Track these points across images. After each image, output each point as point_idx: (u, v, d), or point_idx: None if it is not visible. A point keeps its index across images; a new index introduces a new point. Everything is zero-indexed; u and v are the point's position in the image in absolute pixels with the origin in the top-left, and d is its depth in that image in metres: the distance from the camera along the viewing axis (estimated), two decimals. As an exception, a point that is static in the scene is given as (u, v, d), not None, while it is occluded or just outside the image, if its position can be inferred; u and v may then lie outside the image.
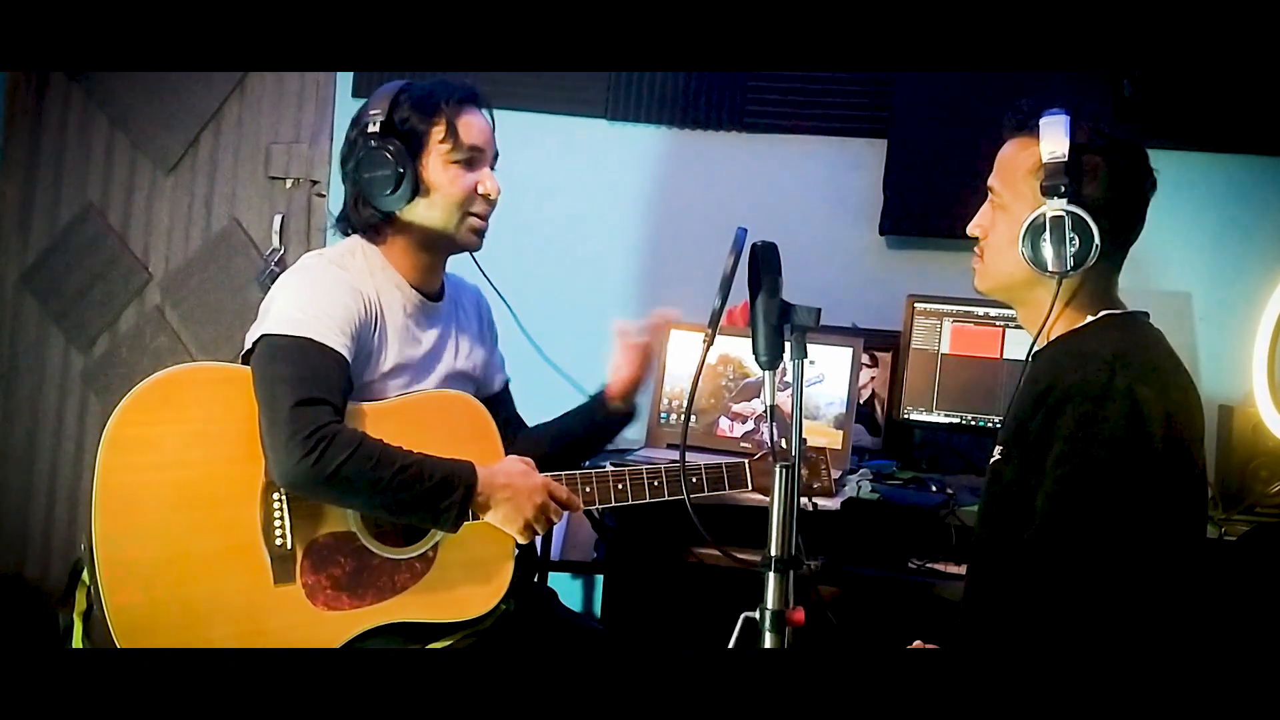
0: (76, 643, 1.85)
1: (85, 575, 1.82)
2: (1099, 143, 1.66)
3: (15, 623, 3.31)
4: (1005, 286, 1.76)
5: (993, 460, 1.74)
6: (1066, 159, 1.63)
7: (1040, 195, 1.65)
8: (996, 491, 1.71)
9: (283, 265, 3.21)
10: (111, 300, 3.42)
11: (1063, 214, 1.63)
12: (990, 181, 1.75)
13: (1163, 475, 1.57)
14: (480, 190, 1.98)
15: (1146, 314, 1.74)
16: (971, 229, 1.78)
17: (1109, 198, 1.66)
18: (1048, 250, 1.64)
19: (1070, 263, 1.64)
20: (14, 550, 3.46)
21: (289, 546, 1.84)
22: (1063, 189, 1.63)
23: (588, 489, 1.98)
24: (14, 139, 3.47)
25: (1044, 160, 1.65)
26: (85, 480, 1.82)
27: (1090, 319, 1.70)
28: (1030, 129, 1.68)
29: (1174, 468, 1.59)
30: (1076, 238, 1.63)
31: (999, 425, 2.59)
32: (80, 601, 1.85)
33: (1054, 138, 1.64)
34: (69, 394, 3.45)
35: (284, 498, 1.84)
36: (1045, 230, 1.64)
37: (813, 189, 3.06)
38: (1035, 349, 1.75)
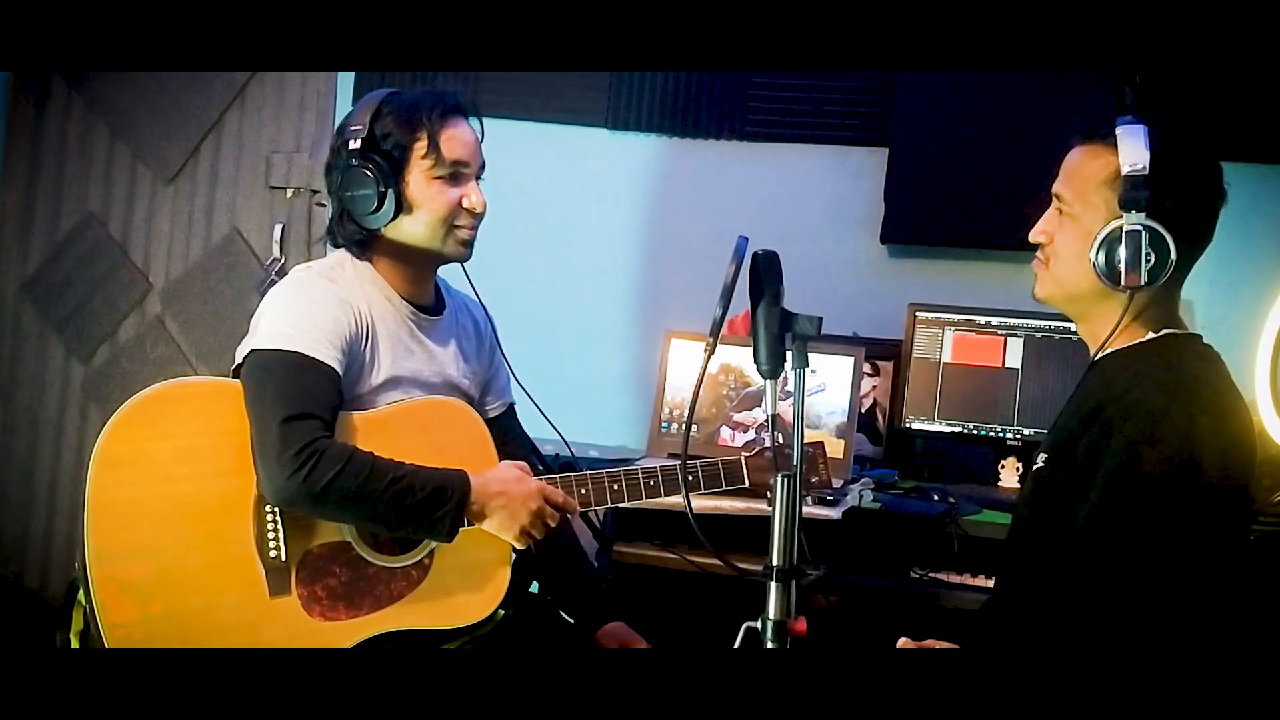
0: (74, 662, 1.84)
1: (81, 596, 1.80)
2: (1177, 155, 1.62)
3: (15, 629, 3.30)
4: (1070, 297, 1.71)
5: (1035, 466, 1.73)
6: (1148, 171, 1.58)
7: (1116, 207, 1.61)
8: (1037, 499, 1.69)
9: (283, 274, 3.19)
10: (112, 310, 3.41)
11: (1140, 228, 1.59)
12: (1057, 189, 1.71)
13: (1211, 510, 1.53)
14: (465, 205, 1.95)
15: (1200, 336, 1.71)
16: (1034, 235, 1.73)
17: (1184, 212, 1.62)
18: (1122, 264, 1.60)
19: (1146, 278, 1.60)
20: (14, 558, 3.45)
21: (283, 558, 1.83)
22: (1143, 202, 1.59)
23: (583, 490, 1.97)
24: (15, 149, 3.46)
25: (1124, 172, 1.60)
26: (85, 491, 1.80)
27: (1152, 335, 1.67)
28: (1103, 137, 1.64)
29: (1224, 503, 1.55)
30: (1153, 253, 1.59)
31: (1002, 434, 2.63)
32: (77, 622, 1.84)
33: (1134, 149, 1.59)
34: (69, 404, 3.44)
35: (277, 510, 1.83)
36: (1121, 243, 1.60)
37: (814, 198, 3.06)
38: (1091, 361, 1.72)
